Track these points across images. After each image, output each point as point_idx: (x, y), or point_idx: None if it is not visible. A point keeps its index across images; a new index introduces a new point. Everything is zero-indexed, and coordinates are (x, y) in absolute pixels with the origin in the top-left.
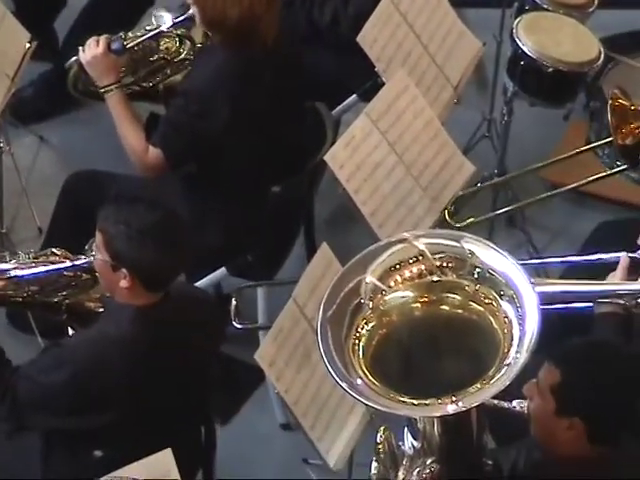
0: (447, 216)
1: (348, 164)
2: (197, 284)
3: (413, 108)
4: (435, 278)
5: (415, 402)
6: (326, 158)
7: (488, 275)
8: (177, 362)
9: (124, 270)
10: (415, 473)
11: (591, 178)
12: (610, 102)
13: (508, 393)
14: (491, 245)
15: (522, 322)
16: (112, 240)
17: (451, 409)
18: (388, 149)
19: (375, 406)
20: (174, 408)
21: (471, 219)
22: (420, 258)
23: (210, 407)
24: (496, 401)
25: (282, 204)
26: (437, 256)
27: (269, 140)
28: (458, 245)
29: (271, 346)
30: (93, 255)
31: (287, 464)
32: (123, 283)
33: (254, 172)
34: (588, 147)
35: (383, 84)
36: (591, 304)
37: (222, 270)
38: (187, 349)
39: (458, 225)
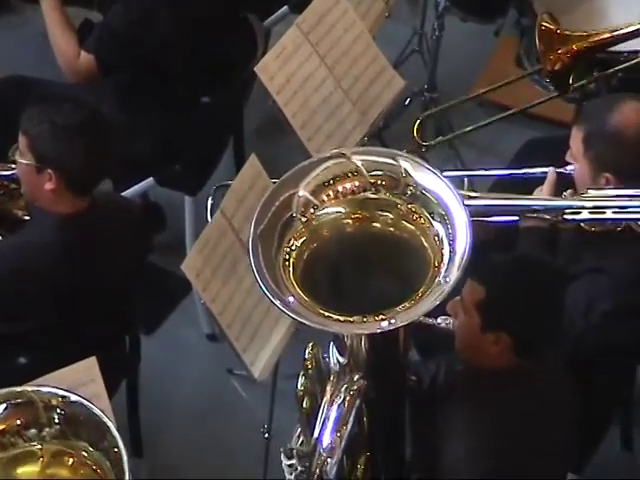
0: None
1: (278, 76)
2: (124, 193)
3: (344, 21)
4: (369, 195)
5: (341, 319)
6: (256, 69)
7: (421, 194)
8: (101, 270)
9: (49, 171)
10: (343, 389)
11: (530, 105)
12: (537, 28)
13: (433, 310)
14: (425, 164)
15: (453, 241)
16: (36, 140)
17: (383, 327)
18: (318, 62)
19: (306, 323)
20: (98, 317)
21: (440, 137)
22: (355, 174)
23: (135, 316)
24: (422, 317)
25: (212, 114)
26: (372, 173)
27: (204, 49)
28: (393, 163)
29: (198, 257)
30: (14, 160)
31: (212, 374)
32: (48, 185)
33: (187, 81)
34: (522, 76)
35: None
36: (517, 218)
37: (150, 180)
38: (112, 258)
39: (426, 143)
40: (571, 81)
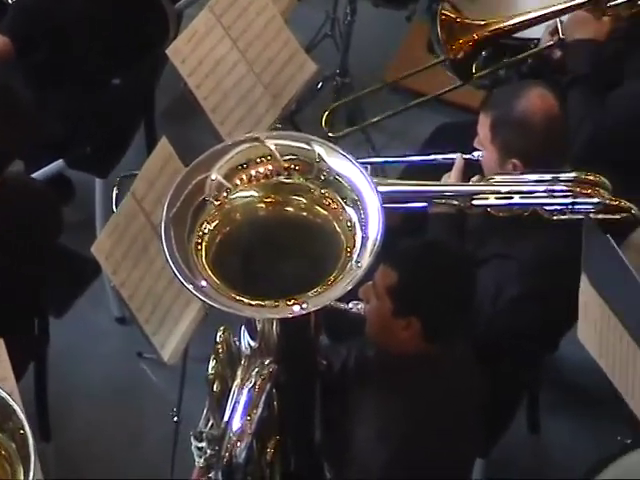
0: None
1: (190, 59)
2: (34, 175)
3: (256, 4)
4: (282, 179)
5: (253, 303)
6: (168, 52)
7: (334, 179)
8: (10, 253)
9: None
10: (254, 373)
11: (439, 92)
12: (438, 17)
13: (345, 295)
14: (339, 150)
15: (365, 227)
16: None
17: (295, 311)
18: (231, 45)
19: (218, 306)
20: (5, 298)
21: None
22: (268, 158)
23: (44, 299)
24: (333, 302)
25: (122, 96)
26: (286, 157)
27: (116, 29)
28: (307, 148)
29: (108, 239)
30: None
31: (122, 358)
32: None
33: (98, 61)
34: (424, 67)
35: None
36: (426, 204)
37: (60, 162)
38: (21, 239)
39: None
40: (475, 69)
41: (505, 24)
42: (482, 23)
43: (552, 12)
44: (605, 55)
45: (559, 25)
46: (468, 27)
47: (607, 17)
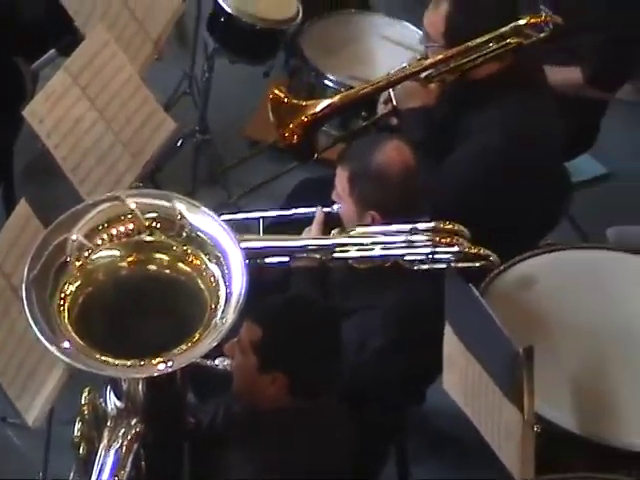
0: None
1: (48, 119)
2: None
3: (113, 64)
4: (144, 237)
5: (117, 362)
6: (25, 113)
7: (196, 236)
8: None
9: None
10: (120, 434)
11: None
12: (268, 99)
13: (211, 352)
14: (200, 206)
15: (229, 283)
16: None
17: (160, 369)
18: (88, 105)
19: (82, 368)
20: None
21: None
22: (130, 217)
23: None
24: (199, 359)
25: None
26: (147, 215)
27: None
28: (168, 205)
29: None
30: None
31: None
32: None
33: None
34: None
35: (82, 39)
36: (289, 259)
37: None
38: None
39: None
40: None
41: (334, 100)
42: (310, 104)
43: (375, 88)
44: (436, 120)
45: (391, 94)
46: (297, 108)
47: (434, 84)
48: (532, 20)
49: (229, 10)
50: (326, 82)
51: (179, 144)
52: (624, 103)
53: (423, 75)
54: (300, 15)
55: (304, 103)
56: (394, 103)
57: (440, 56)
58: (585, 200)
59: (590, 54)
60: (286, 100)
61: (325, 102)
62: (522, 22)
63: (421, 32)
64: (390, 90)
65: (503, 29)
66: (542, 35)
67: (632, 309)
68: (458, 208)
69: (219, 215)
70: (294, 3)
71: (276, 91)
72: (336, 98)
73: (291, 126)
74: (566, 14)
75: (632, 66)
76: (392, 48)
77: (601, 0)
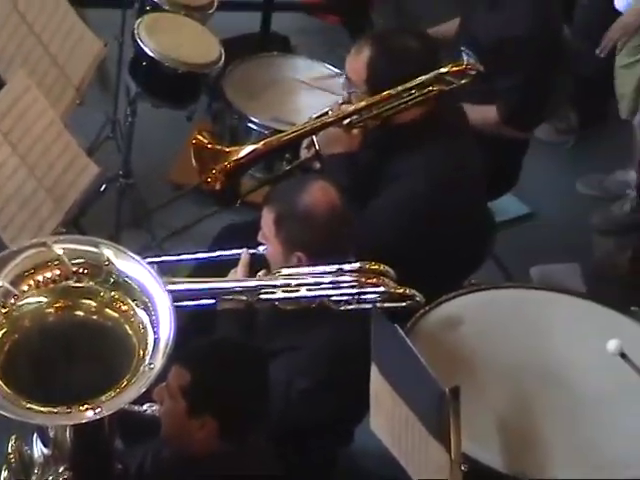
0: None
1: None
2: None
3: (35, 109)
4: (71, 283)
5: (44, 410)
6: None
7: (123, 282)
8: None
9: None
10: None
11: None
12: (190, 144)
13: (139, 397)
14: (127, 252)
15: (156, 328)
16: None
17: (88, 416)
18: (10, 151)
19: (9, 415)
20: None
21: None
22: (56, 263)
23: None
24: (127, 405)
25: None
26: (74, 261)
27: None
28: (95, 251)
29: None
30: None
31: None
32: None
33: None
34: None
35: (3, 85)
36: (215, 301)
37: None
38: None
39: None
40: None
41: (253, 149)
42: (232, 150)
43: (298, 135)
44: (360, 165)
45: (314, 139)
46: (220, 154)
47: (356, 129)
48: (454, 68)
49: (151, 54)
50: (249, 125)
51: (103, 189)
52: (545, 144)
53: (346, 122)
54: (222, 58)
55: (227, 149)
56: (317, 148)
57: (363, 103)
58: (509, 239)
59: (506, 94)
60: (209, 145)
61: (248, 148)
62: (444, 70)
63: (343, 74)
64: (312, 135)
65: (425, 77)
66: (463, 82)
67: (555, 347)
68: (382, 253)
69: (143, 258)
70: (216, 46)
71: (199, 136)
72: (259, 144)
73: (214, 172)
74: (485, 58)
75: (546, 107)
76: (314, 91)
77: (519, 44)
